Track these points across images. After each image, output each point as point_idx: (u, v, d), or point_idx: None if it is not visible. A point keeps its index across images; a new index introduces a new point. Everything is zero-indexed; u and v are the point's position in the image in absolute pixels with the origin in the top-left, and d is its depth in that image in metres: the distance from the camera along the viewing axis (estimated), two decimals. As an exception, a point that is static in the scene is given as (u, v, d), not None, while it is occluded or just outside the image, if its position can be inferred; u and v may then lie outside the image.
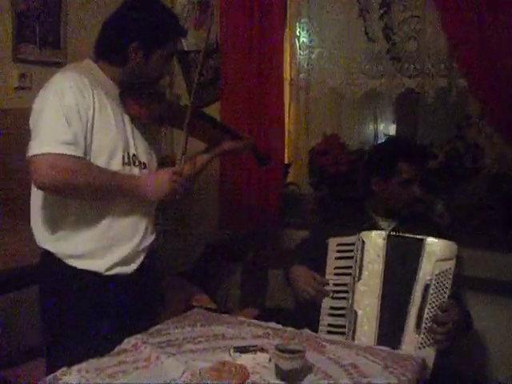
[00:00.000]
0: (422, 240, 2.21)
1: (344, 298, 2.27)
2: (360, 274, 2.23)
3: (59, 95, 1.87)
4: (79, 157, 1.87)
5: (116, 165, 2.01)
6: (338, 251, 2.35)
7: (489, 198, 3.02)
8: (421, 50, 3.14)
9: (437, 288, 2.17)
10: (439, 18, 2.85)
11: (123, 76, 2.07)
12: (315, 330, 2.23)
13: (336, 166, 3.28)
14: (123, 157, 2.04)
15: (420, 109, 3.40)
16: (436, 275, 2.17)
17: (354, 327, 2.20)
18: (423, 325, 2.14)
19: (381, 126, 3.56)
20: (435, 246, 2.20)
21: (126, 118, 2.08)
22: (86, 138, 1.92)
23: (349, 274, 2.27)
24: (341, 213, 2.68)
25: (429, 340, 2.13)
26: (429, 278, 2.17)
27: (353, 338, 2.18)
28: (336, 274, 2.33)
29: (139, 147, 2.12)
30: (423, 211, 2.96)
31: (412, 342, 2.14)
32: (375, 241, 2.25)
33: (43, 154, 1.81)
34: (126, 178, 2.01)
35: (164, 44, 2.05)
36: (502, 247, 2.85)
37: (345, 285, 2.28)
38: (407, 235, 2.26)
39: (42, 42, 2.94)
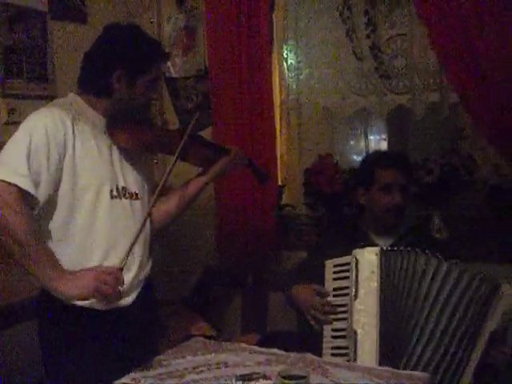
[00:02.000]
0: (498, 287, 2.16)
1: (344, 319, 2.24)
2: (356, 292, 2.20)
3: (29, 134, 1.84)
4: (25, 193, 1.79)
5: (104, 199, 1.99)
6: (335, 272, 2.34)
7: (485, 210, 3.01)
8: (409, 66, 3.16)
9: (499, 341, 2.14)
10: (426, 34, 2.86)
11: (110, 107, 2.05)
12: (319, 353, 2.20)
13: (331, 185, 3.27)
14: (111, 191, 2.01)
15: (411, 125, 3.40)
16: (500, 324, 2.14)
17: (355, 347, 2.16)
18: (481, 374, 2.11)
19: (372, 144, 3.56)
20: (509, 295, 2.15)
21: (115, 149, 2.05)
22: (51, 176, 1.87)
23: (347, 295, 2.25)
24: (338, 233, 2.67)
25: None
26: (496, 328, 2.14)
27: (355, 358, 2.14)
28: (335, 296, 2.31)
29: (129, 178, 2.09)
30: (421, 227, 2.94)
31: None
32: (368, 257, 2.23)
33: None
34: (48, 262, 1.83)
35: (146, 70, 2.03)
36: (499, 258, 2.84)
37: (344, 305, 2.26)
38: (415, 251, 2.23)
39: (30, 76, 2.95)
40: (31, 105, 2.83)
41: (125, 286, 2.03)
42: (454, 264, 2.20)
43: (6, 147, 1.85)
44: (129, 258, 1.92)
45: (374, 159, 2.60)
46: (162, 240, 3.41)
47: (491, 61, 2.61)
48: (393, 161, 2.51)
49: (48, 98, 2.86)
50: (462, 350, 2.12)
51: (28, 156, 1.81)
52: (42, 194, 1.85)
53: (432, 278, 2.18)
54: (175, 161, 2.05)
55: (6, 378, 2.61)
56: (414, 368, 2.09)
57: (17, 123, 2.71)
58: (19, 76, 2.91)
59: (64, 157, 1.90)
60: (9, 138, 1.90)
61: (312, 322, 2.34)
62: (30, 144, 1.83)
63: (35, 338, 2.09)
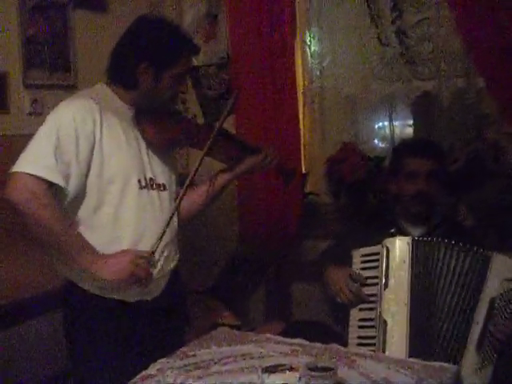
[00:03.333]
0: (489, 256, 2.19)
1: (372, 309, 2.24)
2: (387, 281, 2.20)
3: (56, 126, 1.85)
4: (54, 185, 1.81)
5: (132, 189, 1.98)
6: (363, 262, 2.32)
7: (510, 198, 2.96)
8: (435, 51, 3.10)
9: (502, 308, 2.13)
10: (452, 18, 2.81)
11: (137, 99, 2.04)
12: (343, 342, 2.19)
13: (354, 173, 3.23)
14: (139, 181, 2.01)
15: (436, 111, 3.35)
16: (501, 294, 2.14)
17: (384, 337, 2.15)
18: (485, 345, 2.11)
19: (397, 131, 3.50)
20: (503, 264, 2.17)
21: (142, 141, 2.05)
22: (82, 167, 1.88)
23: (375, 285, 2.24)
24: (365, 221, 2.66)
25: (488, 359, 2.11)
26: (494, 296, 2.14)
27: (383, 348, 2.14)
28: (362, 285, 2.29)
29: (156, 169, 2.09)
30: (451, 217, 2.90)
31: (472, 363, 2.11)
32: (400, 247, 2.23)
33: (20, 173, 1.78)
34: (84, 247, 1.90)
35: (174, 63, 2.01)
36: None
37: (372, 295, 2.25)
38: (440, 240, 2.23)
39: (52, 66, 2.94)
40: (54, 95, 2.83)
41: (153, 277, 2.04)
42: (464, 249, 2.22)
43: (34, 140, 1.85)
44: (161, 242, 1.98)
45: (401, 147, 2.64)
46: (187, 230, 3.40)
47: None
48: (418, 148, 2.50)
49: (70, 88, 2.86)
50: (465, 322, 2.15)
51: (56, 148, 1.82)
52: (72, 186, 1.87)
53: (453, 269, 2.20)
54: (203, 157, 2.04)
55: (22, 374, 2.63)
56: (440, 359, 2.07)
57: (40, 114, 2.76)
58: (41, 66, 2.89)
59: (93, 147, 1.90)
60: (32, 128, 1.90)
61: (342, 299, 2.32)
62: (58, 136, 1.83)
63: (44, 335, 2.10)
